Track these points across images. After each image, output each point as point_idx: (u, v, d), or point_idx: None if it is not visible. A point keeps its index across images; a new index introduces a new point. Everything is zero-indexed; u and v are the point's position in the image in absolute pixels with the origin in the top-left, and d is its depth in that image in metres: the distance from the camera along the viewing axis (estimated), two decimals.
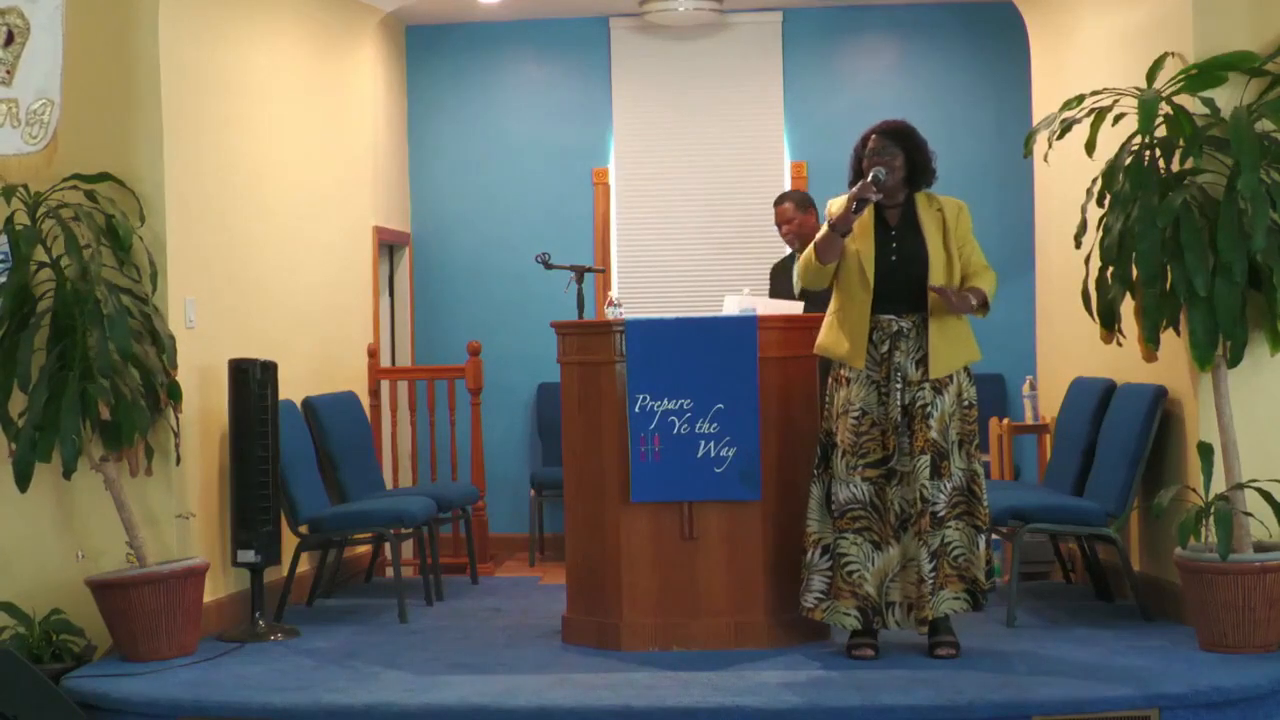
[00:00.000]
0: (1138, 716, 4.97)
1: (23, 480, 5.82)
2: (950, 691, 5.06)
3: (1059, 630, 6.07)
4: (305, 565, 7.15)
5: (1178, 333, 5.82)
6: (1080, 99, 5.89)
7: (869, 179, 5.55)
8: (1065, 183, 6.88)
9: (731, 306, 6.41)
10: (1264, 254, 5.50)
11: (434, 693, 5.28)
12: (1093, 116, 5.80)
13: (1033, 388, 7.71)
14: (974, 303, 5.58)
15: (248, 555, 6.35)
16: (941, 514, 5.56)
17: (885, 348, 5.61)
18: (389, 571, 8.02)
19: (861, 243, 5.65)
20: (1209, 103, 5.73)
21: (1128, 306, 5.92)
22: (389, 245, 9.12)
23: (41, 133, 6.18)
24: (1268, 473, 5.70)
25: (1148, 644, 5.71)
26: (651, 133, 9.26)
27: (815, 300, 6.23)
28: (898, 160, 5.65)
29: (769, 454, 5.88)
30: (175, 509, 6.18)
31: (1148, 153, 5.73)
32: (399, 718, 5.11)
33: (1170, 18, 6.11)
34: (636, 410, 5.84)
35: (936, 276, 5.59)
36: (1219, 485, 5.64)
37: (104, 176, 6.06)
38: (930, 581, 5.53)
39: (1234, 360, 5.67)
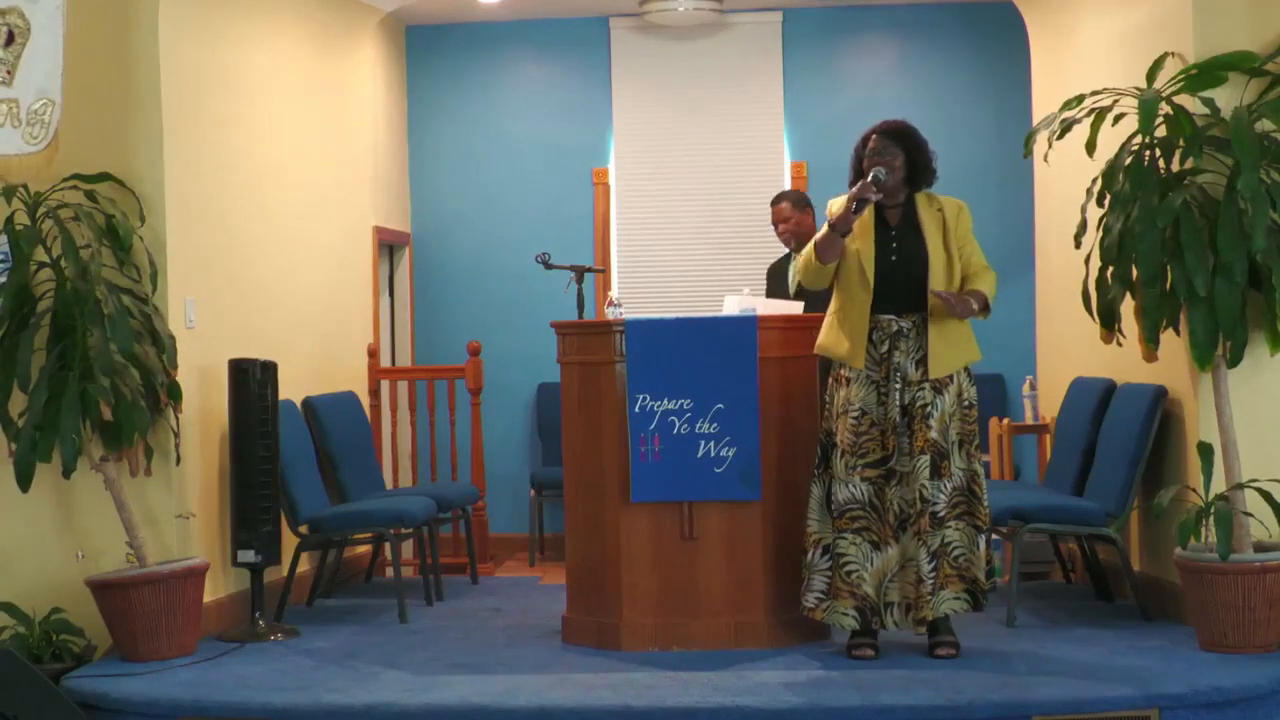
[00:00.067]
0: (1138, 716, 4.97)
1: (24, 480, 5.82)
2: (950, 691, 5.06)
3: (1059, 630, 6.07)
4: (305, 565, 7.15)
5: (1178, 333, 5.82)
6: (1080, 99, 5.89)
7: (869, 179, 5.55)
8: (1065, 183, 6.88)
9: (731, 306, 6.41)
10: (1264, 254, 5.51)
11: (434, 693, 5.28)
12: (1093, 116, 5.80)
13: (1033, 388, 7.71)
14: (975, 306, 5.58)
15: (248, 555, 6.35)
16: (941, 514, 5.56)
17: (885, 348, 5.60)
18: (389, 571, 8.02)
19: (862, 242, 5.65)
20: (1209, 103, 5.73)
21: (1128, 306, 5.92)
22: (389, 245, 9.12)
23: (42, 133, 6.19)
24: (1268, 473, 5.70)
25: (1148, 644, 5.71)
26: (651, 133, 9.26)
27: (815, 300, 6.23)
28: (898, 160, 5.65)
29: (769, 454, 5.88)
30: (175, 509, 6.18)
31: (1148, 153, 5.73)
32: (399, 718, 5.11)
33: (1170, 18, 6.11)
34: (636, 410, 5.84)
35: (936, 276, 5.59)
36: (1219, 485, 5.64)
37: (104, 176, 6.06)
38: (930, 582, 5.52)
39: (1234, 360, 5.67)
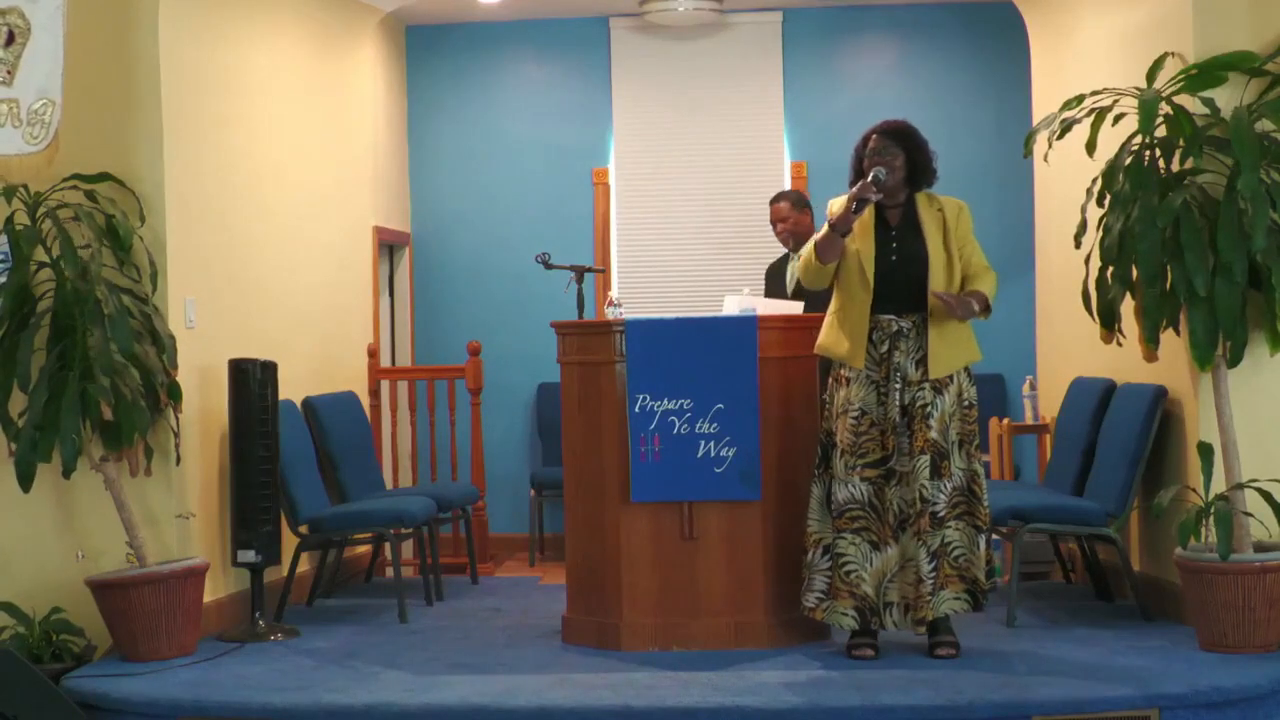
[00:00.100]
0: (1138, 716, 4.97)
1: (25, 480, 5.82)
2: (950, 691, 5.06)
3: (1059, 630, 6.07)
4: (305, 565, 7.15)
5: (1178, 333, 5.82)
6: (1080, 99, 5.89)
7: (869, 179, 5.55)
8: (1065, 183, 6.88)
9: (731, 306, 6.41)
10: (1264, 254, 5.51)
11: (434, 693, 5.28)
12: (1093, 116, 5.80)
13: (1033, 388, 7.71)
14: (976, 308, 5.58)
15: (248, 555, 6.35)
16: (941, 514, 5.56)
17: (885, 348, 5.60)
18: (389, 571, 8.02)
19: (862, 242, 5.65)
20: (1209, 103, 5.73)
21: (1128, 306, 5.92)
22: (389, 245, 9.12)
23: (43, 133, 6.19)
24: (1268, 473, 5.70)
25: (1148, 644, 5.71)
26: (651, 133, 9.26)
27: (815, 300, 6.23)
28: (898, 160, 5.65)
29: (769, 454, 5.88)
30: (175, 509, 6.18)
31: (1148, 153, 5.73)
32: (399, 718, 5.11)
33: (1170, 18, 6.11)
34: (636, 410, 5.84)
35: (937, 276, 5.59)
36: (1219, 485, 5.64)
37: (104, 176, 6.06)
38: (930, 582, 5.52)
39: (1234, 360, 5.67)
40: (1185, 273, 5.55)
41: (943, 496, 5.56)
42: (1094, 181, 5.89)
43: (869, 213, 5.65)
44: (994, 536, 6.20)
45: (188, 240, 6.34)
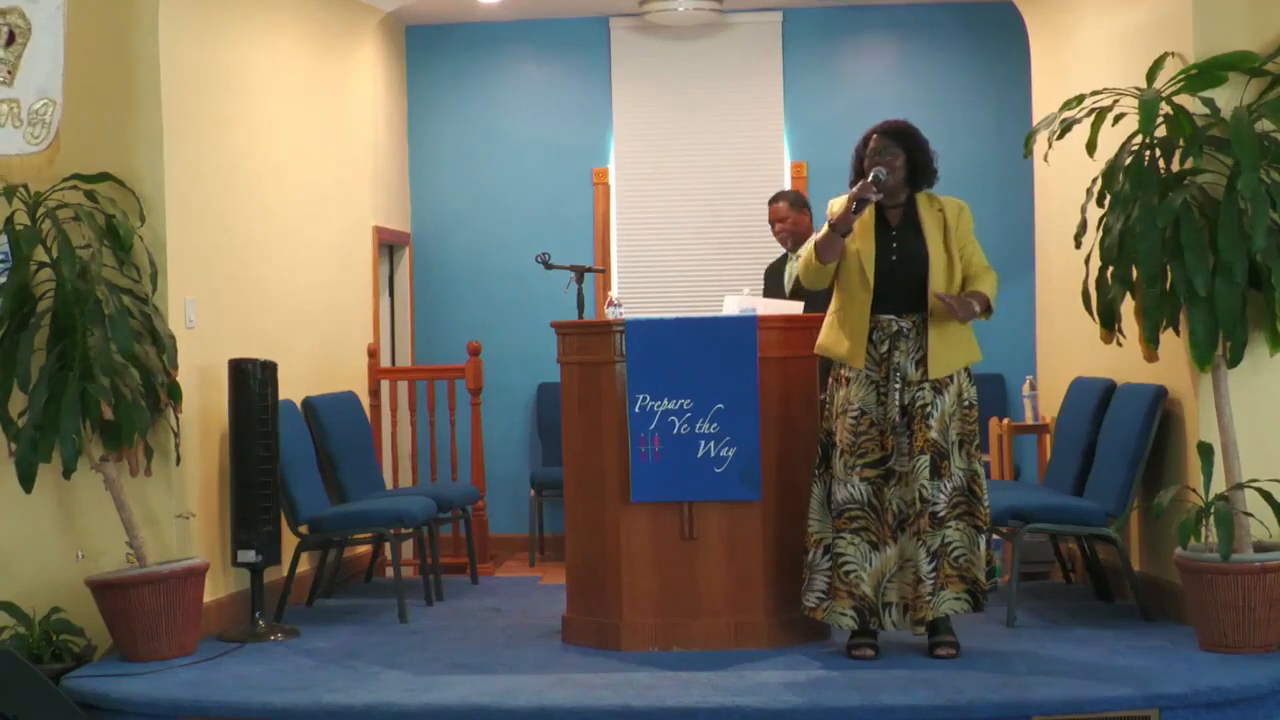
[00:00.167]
0: (1138, 716, 4.97)
1: (26, 480, 5.82)
2: (950, 691, 5.06)
3: (1059, 630, 6.07)
4: (305, 565, 7.15)
5: (1178, 333, 5.82)
6: (1080, 99, 5.89)
7: (869, 179, 5.55)
8: (1065, 183, 6.88)
9: (731, 306, 6.41)
10: (1264, 254, 5.51)
11: (434, 693, 5.28)
12: (1093, 116, 5.80)
13: (1033, 388, 7.71)
14: (977, 309, 5.57)
15: (248, 555, 6.35)
16: (941, 514, 5.56)
17: (885, 348, 5.60)
18: (389, 571, 8.02)
19: (862, 242, 5.64)
20: (1209, 103, 5.73)
21: (1128, 306, 5.92)
22: (389, 245, 9.12)
23: (44, 133, 6.19)
24: (1268, 473, 5.70)
25: (1148, 644, 5.71)
26: (651, 133, 9.26)
27: (815, 300, 6.23)
28: (899, 160, 5.65)
29: (769, 454, 5.88)
30: (175, 509, 6.19)
31: (1148, 153, 5.73)
32: (399, 718, 5.11)
33: (1170, 18, 6.11)
34: (636, 410, 5.84)
35: (937, 277, 5.59)
36: (1219, 485, 5.64)
37: (104, 176, 6.06)
38: (930, 582, 5.52)
39: (1234, 360, 5.67)
40: (1185, 273, 5.55)
41: (943, 496, 5.56)
42: (1094, 181, 5.89)
43: (869, 213, 5.64)
44: (994, 536, 6.20)
45: (188, 240, 6.34)
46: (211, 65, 6.65)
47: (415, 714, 5.12)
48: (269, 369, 6.43)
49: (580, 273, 6.79)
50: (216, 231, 6.62)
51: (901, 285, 5.61)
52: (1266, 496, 5.54)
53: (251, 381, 6.38)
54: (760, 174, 9.09)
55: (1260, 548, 5.61)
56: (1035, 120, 7.70)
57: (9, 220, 5.92)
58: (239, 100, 6.91)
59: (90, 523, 6.14)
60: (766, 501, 5.89)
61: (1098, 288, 5.94)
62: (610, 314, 6.18)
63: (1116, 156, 5.79)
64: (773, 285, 7.41)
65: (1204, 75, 5.76)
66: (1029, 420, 7.68)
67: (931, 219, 5.69)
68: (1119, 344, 6.04)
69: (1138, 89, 5.78)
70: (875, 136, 5.69)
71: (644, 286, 9.15)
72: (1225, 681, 5.10)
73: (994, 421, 7.69)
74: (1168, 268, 5.64)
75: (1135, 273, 5.74)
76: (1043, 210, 7.80)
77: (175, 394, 6.08)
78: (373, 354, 8.31)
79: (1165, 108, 5.65)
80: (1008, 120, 8.83)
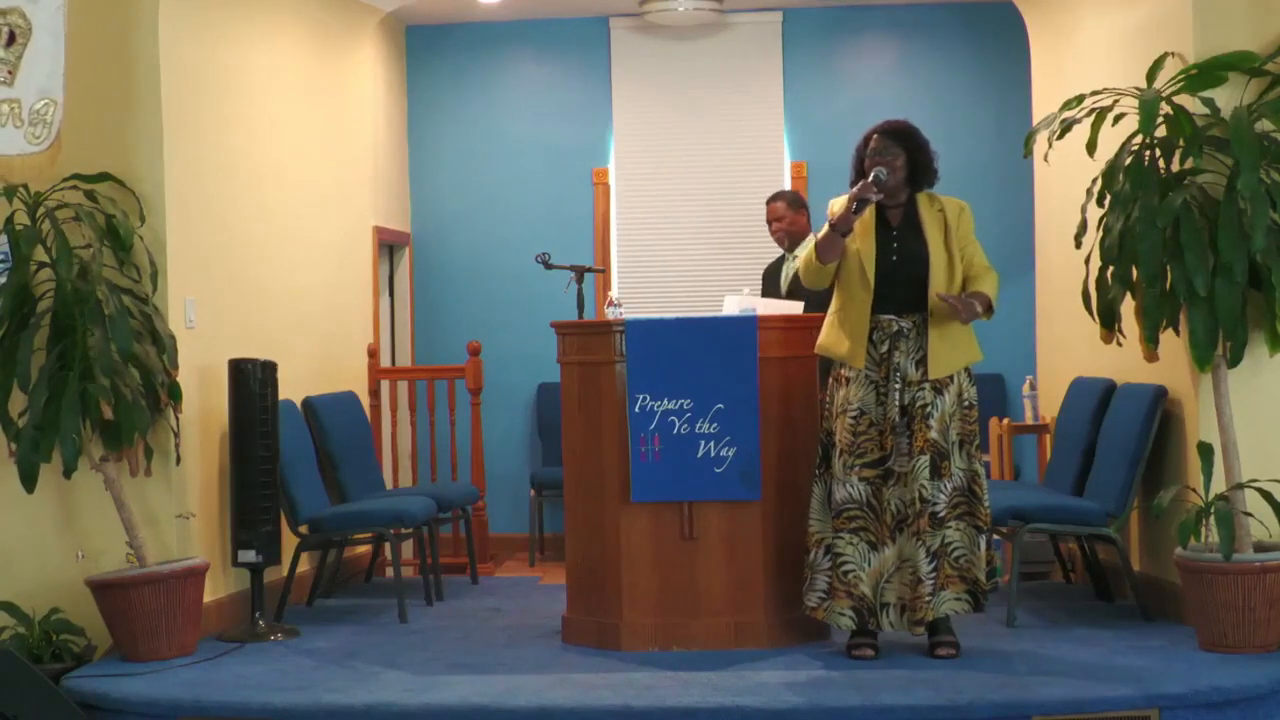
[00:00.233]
0: (1138, 716, 4.97)
1: (28, 480, 5.82)
2: (950, 691, 5.06)
3: (1059, 630, 6.07)
4: (305, 565, 7.15)
5: (1178, 333, 5.82)
6: (1080, 99, 5.89)
7: (870, 179, 5.55)
8: (1065, 183, 6.88)
9: (731, 306, 6.42)
10: (1264, 254, 5.51)
11: (434, 693, 5.28)
12: (1093, 116, 5.80)
13: (1033, 388, 7.71)
14: (979, 309, 5.57)
15: (248, 555, 6.35)
16: (941, 514, 5.56)
17: (885, 348, 5.60)
18: (389, 571, 8.02)
19: (862, 242, 5.64)
20: (1209, 103, 5.73)
21: (1128, 306, 5.92)
22: (389, 245, 9.12)
23: (45, 132, 6.19)
24: (1268, 473, 5.70)
25: (1148, 644, 5.71)
26: (651, 133, 9.27)
27: (814, 300, 6.23)
28: (899, 160, 5.65)
29: (769, 454, 5.88)
30: (175, 509, 6.19)
31: (1148, 153, 5.73)
32: (399, 718, 5.11)
33: (1170, 18, 6.11)
34: (636, 410, 5.84)
35: (937, 277, 5.59)
36: (1219, 485, 5.64)
37: (104, 176, 6.06)
38: (930, 582, 5.52)
39: (1234, 360, 5.67)
40: (1185, 273, 5.56)
41: (942, 497, 5.56)
42: (1094, 181, 5.89)
43: (870, 213, 5.64)
44: (994, 536, 6.20)
45: (188, 240, 6.34)
46: (211, 65, 6.65)
47: (415, 714, 5.12)
48: (269, 369, 6.43)
49: (580, 273, 6.80)
50: (216, 231, 6.63)
51: (902, 285, 5.61)
52: (1266, 496, 5.54)
53: (251, 381, 6.38)
54: (760, 174, 9.09)
55: (1260, 548, 5.61)
56: (1035, 120, 7.70)
57: (9, 220, 5.92)
58: (239, 100, 6.91)
59: (90, 523, 6.14)
60: (766, 501, 5.89)
61: (1098, 288, 5.94)
62: (610, 314, 6.18)
63: (1116, 156, 5.79)
64: (770, 287, 7.42)
65: (1204, 75, 5.76)
66: (1029, 420, 7.68)
67: (932, 219, 5.69)
68: (1119, 344, 6.04)
69: (1138, 89, 5.79)
70: (876, 136, 5.69)
71: (644, 286, 9.15)
72: (1225, 681, 5.10)
73: (994, 421, 7.69)
74: (1168, 268, 5.64)
75: (1135, 273, 5.74)
76: (1043, 210, 7.80)
77: (175, 394, 6.08)
78: (373, 354, 8.31)
79: (1165, 108, 5.65)
80: (1008, 120, 8.83)
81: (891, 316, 5.61)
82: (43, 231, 5.90)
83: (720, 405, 5.82)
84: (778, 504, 5.91)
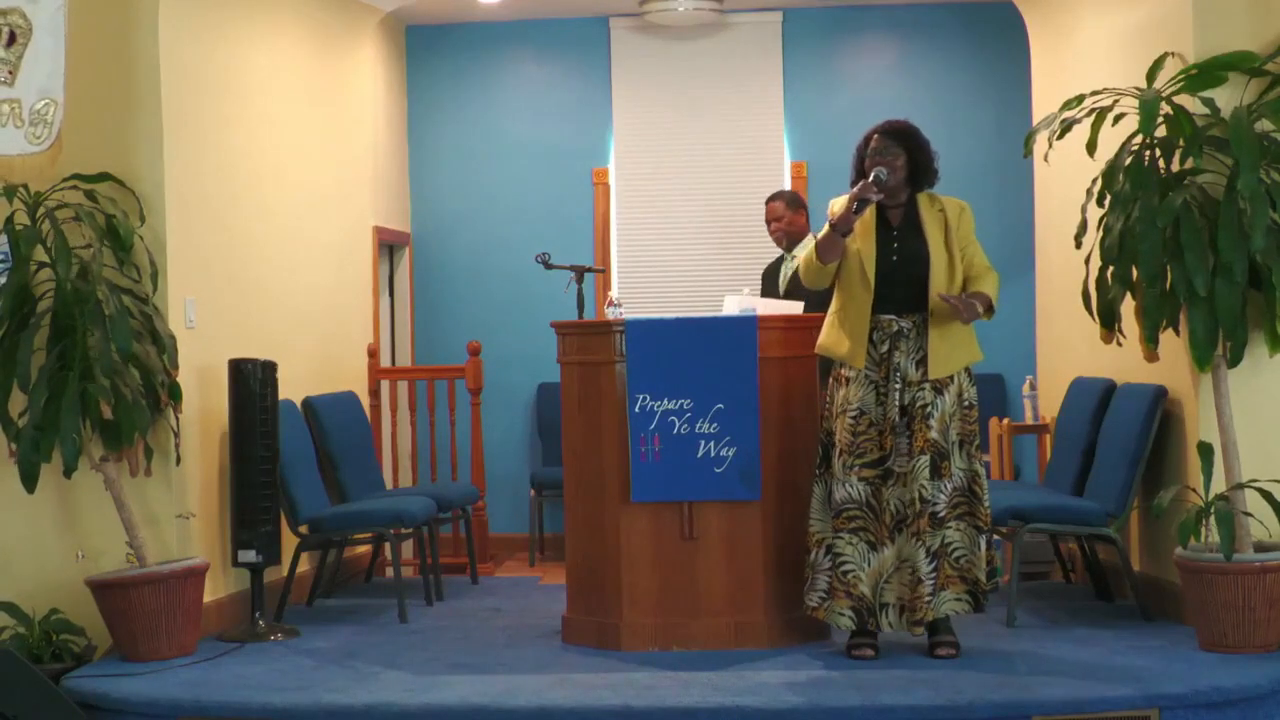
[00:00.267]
0: (1138, 716, 4.97)
1: (29, 480, 5.82)
2: (950, 691, 5.06)
3: (1059, 630, 6.07)
4: (305, 565, 7.15)
5: (1178, 333, 5.82)
6: (1080, 99, 5.89)
7: (870, 179, 5.55)
8: (1065, 183, 6.88)
9: (731, 306, 6.42)
10: (1264, 254, 5.51)
11: (434, 693, 5.28)
12: (1093, 116, 5.80)
13: (1033, 388, 7.71)
14: (980, 310, 5.57)
15: (248, 555, 6.35)
16: (941, 514, 5.56)
17: (885, 348, 5.60)
18: (389, 571, 8.02)
19: (863, 242, 5.64)
20: (1209, 103, 5.73)
21: (1128, 306, 5.92)
22: (389, 245, 9.12)
23: (46, 132, 6.19)
24: (1268, 473, 5.70)
25: (1148, 644, 5.71)
26: (651, 133, 9.27)
27: (814, 300, 6.23)
28: (900, 160, 5.65)
29: (769, 454, 5.88)
30: (175, 509, 6.19)
31: (1148, 153, 5.74)
32: (399, 718, 5.11)
33: (1170, 18, 6.11)
34: (636, 410, 5.84)
35: (938, 277, 5.59)
36: (1219, 485, 5.64)
37: (104, 176, 6.06)
38: (930, 582, 5.52)
39: (1234, 360, 5.67)
40: (1185, 273, 5.56)
41: (943, 497, 5.56)
42: (1094, 181, 5.89)
43: (870, 213, 5.64)
44: (994, 536, 6.19)
45: (188, 240, 6.34)
46: (211, 65, 6.65)
47: (415, 714, 5.12)
48: (269, 369, 6.43)
49: (580, 273, 6.80)
50: (216, 231, 6.63)
51: (902, 285, 5.61)
52: (1266, 496, 5.54)
53: (251, 381, 6.38)
54: (760, 174, 9.09)
55: (1260, 548, 5.61)
56: (1035, 120, 7.70)
57: (9, 220, 5.92)
58: (239, 100, 6.91)
59: (90, 523, 6.14)
60: (766, 501, 5.89)
61: (1098, 288, 5.94)
62: (610, 314, 6.18)
63: (1116, 156, 5.79)
64: (769, 287, 7.42)
65: (1204, 75, 5.76)
66: (1029, 420, 7.68)
67: (932, 219, 5.69)
68: (1119, 344, 6.04)
69: (1138, 89, 5.79)
70: (876, 136, 5.69)
71: (644, 286, 9.15)
72: (1225, 681, 5.10)
73: (994, 421, 7.69)
74: (1168, 268, 5.64)
75: (1135, 273, 5.74)
76: (1043, 210, 7.80)
77: (175, 394, 6.08)
78: (373, 354, 8.31)
79: (1165, 108, 5.65)
80: (1008, 120, 8.83)
81: (892, 316, 5.61)
82: (43, 231, 5.90)
83: (720, 405, 5.82)
84: (778, 504, 5.91)
